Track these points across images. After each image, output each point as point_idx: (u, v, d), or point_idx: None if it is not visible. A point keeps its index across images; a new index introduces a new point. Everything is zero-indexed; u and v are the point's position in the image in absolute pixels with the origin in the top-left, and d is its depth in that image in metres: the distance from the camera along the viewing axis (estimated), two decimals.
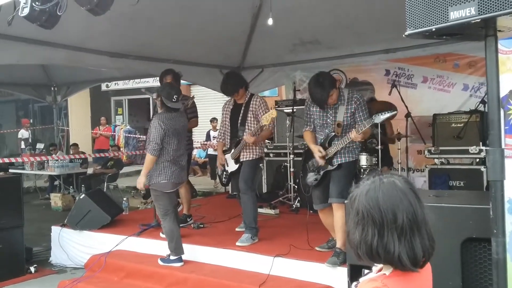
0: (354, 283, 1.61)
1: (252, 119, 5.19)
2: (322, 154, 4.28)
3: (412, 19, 1.89)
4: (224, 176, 5.51)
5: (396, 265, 1.44)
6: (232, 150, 5.28)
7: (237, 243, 4.96)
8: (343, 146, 4.21)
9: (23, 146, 14.10)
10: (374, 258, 1.45)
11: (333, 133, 4.29)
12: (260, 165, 6.15)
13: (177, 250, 4.84)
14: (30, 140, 14.92)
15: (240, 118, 5.24)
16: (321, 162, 4.31)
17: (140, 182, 4.83)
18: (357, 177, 4.98)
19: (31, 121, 18.72)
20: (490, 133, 1.99)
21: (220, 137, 5.56)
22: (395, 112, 4.07)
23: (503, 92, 2.44)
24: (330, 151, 4.28)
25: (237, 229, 5.57)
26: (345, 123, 4.25)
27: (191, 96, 6.65)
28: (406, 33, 1.91)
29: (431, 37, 1.93)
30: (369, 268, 1.61)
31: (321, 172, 4.33)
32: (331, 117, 4.31)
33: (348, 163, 4.31)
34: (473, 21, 1.74)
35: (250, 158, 5.21)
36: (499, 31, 1.89)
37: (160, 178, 4.81)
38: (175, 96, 4.87)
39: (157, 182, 4.81)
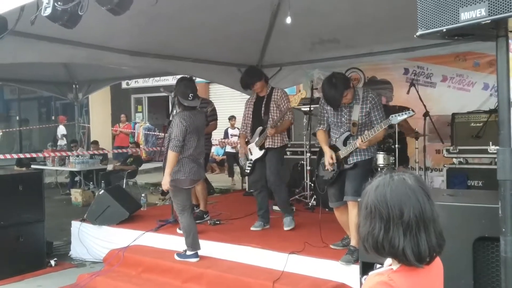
0: (364, 276, 1.64)
1: (275, 109, 5.48)
2: (332, 161, 4.30)
3: (423, 19, 1.91)
4: (248, 164, 5.66)
5: (401, 259, 1.47)
6: (256, 139, 5.53)
7: (285, 228, 5.45)
8: (356, 147, 4.22)
9: (65, 142, 14.45)
10: (380, 251, 1.49)
11: (349, 133, 4.30)
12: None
13: (194, 245, 4.91)
14: (58, 136, 15.30)
15: (263, 109, 5.52)
16: (330, 168, 4.34)
17: (166, 182, 4.81)
18: (374, 175, 4.98)
19: (53, 117, 19.08)
20: (500, 133, 2.00)
21: (243, 129, 5.83)
22: (412, 113, 4.06)
23: None
24: (344, 151, 4.29)
25: (252, 228, 5.63)
26: (360, 122, 4.26)
27: (211, 101, 6.73)
28: (418, 33, 1.93)
29: (442, 38, 1.95)
30: (381, 264, 1.64)
31: (337, 170, 4.34)
32: (346, 116, 4.32)
33: (364, 161, 4.31)
34: (484, 22, 1.75)
35: (275, 146, 5.46)
36: (511, 31, 1.89)
37: (180, 174, 4.88)
38: (190, 94, 4.94)
39: (176, 178, 4.87)
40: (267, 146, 5.48)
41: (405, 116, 4.00)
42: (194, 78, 6.26)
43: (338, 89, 4.15)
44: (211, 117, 6.30)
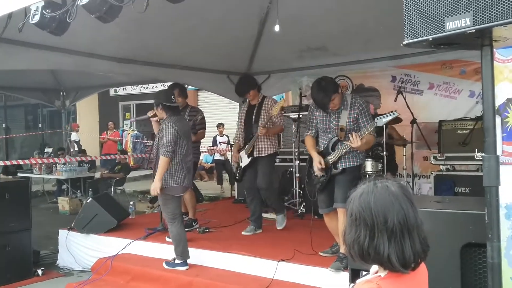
0: (351, 284, 1.66)
1: (265, 117, 5.64)
2: (321, 166, 4.33)
3: (410, 29, 1.94)
4: (238, 171, 5.86)
5: (386, 265, 1.49)
6: (246, 146, 5.69)
7: (278, 227, 5.80)
8: (345, 151, 4.25)
9: (76, 148, 14.34)
10: (365, 258, 1.51)
11: (336, 138, 4.33)
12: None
13: (183, 254, 4.89)
14: (80, 144, 15.21)
15: (254, 117, 5.70)
16: (319, 173, 4.36)
17: (156, 187, 4.74)
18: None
19: (40, 125, 18.92)
20: (486, 140, 2.03)
21: (236, 138, 6.03)
22: (397, 114, 4.14)
23: (500, 100, 2.48)
24: (333, 156, 4.32)
25: (243, 233, 5.75)
26: (348, 127, 4.29)
27: (201, 110, 6.76)
28: (404, 42, 1.96)
29: (428, 47, 1.98)
30: (368, 271, 1.66)
31: (326, 176, 4.36)
32: (334, 122, 4.36)
33: (352, 168, 4.34)
34: (468, 32, 1.78)
35: (264, 154, 5.62)
36: (495, 40, 1.93)
37: (172, 181, 4.84)
38: (173, 96, 5.10)
39: (168, 186, 4.82)
40: (257, 155, 5.63)
41: (390, 118, 4.08)
42: (186, 86, 6.34)
43: (327, 92, 4.20)
44: (200, 126, 6.31)
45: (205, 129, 6.45)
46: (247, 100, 5.91)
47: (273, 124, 5.65)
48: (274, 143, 5.75)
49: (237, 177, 5.98)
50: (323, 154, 4.41)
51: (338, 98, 4.28)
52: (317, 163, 4.35)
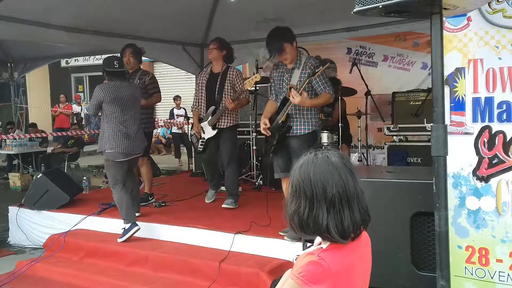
0: (295, 256, 1.65)
1: (229, 88, 5.38)
2: (264, 126, 4.37)
3: None
4: (200, 143, 5.60)
5: (325, 236, 1.49)
6: (209, 118, 5.43)
7: (223, 205, 5.44)
8: (288, 107, 4.27)
9: (75, 121, 13.85)
10: (305, 230, 1.51)
11: (285, 96, 4.34)
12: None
13: (128, 216, 4.86)
14: (82, 115, 14.61)
15: (217, 87, 5.39)
16: (264, 133, 4.41)
17: None
18: None
19: None
20: (434, 110, 2.05)
21: (195, 106, 5.69)
22: (327, 63, 4.31)
23: (449, 70, 2.51)
24: (280, 115, 4.34)
25: (206, 201, 5.80)
26: (298, 87, 4.27)
27: (150, 72, 6.54)
28: (354, 10, 1.93)
29: (379, 14, 1.96)
30: (312, 242, 1.65)
31: (276, 135, 4.36)
32: (286, 81, 4.37)
33: (306, 136, 4.34)
34: None
35: (227, 125, 5.41)
36: (445, 9, 1.92)
37: (107, 146, 4.89)
38: (115, 62, 5.01)
39: (104, 151, 4.91)
40: (220, 127, 5.41)
41: (321, 68, 4.17)
42: (143, 50, 6.12)
43: (279, 36, 4.25)
44: (153, 89, 6.00)
45: (160, 92, 6.14)
46: (209, 68, 5.57)
47: (239, 96, 5.35)
48: (236, 115, 5.55)
49: (199, 149, 5.67)
50: (277, 115, 4.42)
51: (291, 51, 4.29)
52: (262, 124, 4.40)
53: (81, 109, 15.33)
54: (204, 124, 5.51)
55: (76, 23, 6.45)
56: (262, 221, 4.78)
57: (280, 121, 4.32)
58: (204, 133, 5.52)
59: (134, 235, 4.85)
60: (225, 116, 5.39)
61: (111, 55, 5.31)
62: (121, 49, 5.96)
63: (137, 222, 4.86)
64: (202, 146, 5.59)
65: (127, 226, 4.83)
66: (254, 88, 6.99)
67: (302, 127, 4.34)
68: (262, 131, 4.41)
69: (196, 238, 4.78)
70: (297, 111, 4.33)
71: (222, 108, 5.33)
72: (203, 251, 4.56)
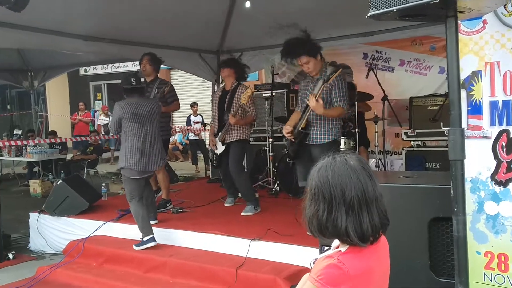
0: (312, 259, 1.65)
1: (236, 105, 5.53)
2: (287, 130, 4.44)
3: (375, 0, 1.91)
4: (214, 158, 5.86)
5: (344, 239, 1.49)
6: (219, 134, 5.65)
7: (242, 213, 5.51)
8: (307, 113, 4.35)
9: (103, 132, 14.07)
10: (324, 233, 1.50)
11: (306, 104, 4.40)
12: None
13: (145, 229, 4.89)
14: (108, 126, 14.75)
15: (226, 104, 5.59)
16: (287, 137, 4.50)
17: None
18: None
19: (9, 107, 18.44)
20: (451, 113, 2.03)
21: (212, 122, 6.01)
22: (340, 69, 4.33)
23: (465, 73, 2.49)
24: (300, 121, 4.41)
25: (225, 205, 6.03)
26: (316, 93, 4.32)
27: (169, 82, 6.66)
28: (369, 14, 1.93)
29: (393, 18, 1.96)
30: (330, 246, 1.65)
31: (297, 141, 4.44)
32: (310, 90, 4.45)
33: (327, 145, 4.37)
34: (432, 2, 1.76)
35: (235, 139, 5.57)
36: (460, 12, 1.91)
37: (124, 163, 4.97)
38: (132, 79, 5.03)
39: (121, 167, 5.02)
40: (227, 142, 5.61)
41: (334, 74, 4.23)
42: (162, 60, 6.28)
43: (301, 44, 4.35)
44: (171, 98, 6.24)
45: (178, 100, 6.38)
46: (222, 85, 5.79)
47: (245, 114, 5.54)
48: (245, 129, 5.65)
49: (214, 164, 6.01)
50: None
51: (313, 62, 4.38)
52: (284, 128, 4.51)
53: (108, 120, 15.41)
54: (216, 141, 5.77)
55: (94, 31, 6.54)
56: (278, 227, 4.77)
57: (300, 127, 4.38)
58: (217, 148, 5.77)
59: None
60: (232, 131, 5.58)
61: (128, 71, 5.40)
62: (141, 56, 6.12)
63: (154, 237, 4.88)
64: (216, 162, 5.88)
65: (145, 238, 4.87)
66: (270, 94, 7.02)
67: (323, 136, 4.39)
68: (285, 135, 4.52)
69: (213, 244, 4.79)
70: (317, 119, 4.40)
71: (228, 124, 5.53)
72: (220, 257, 4.57)
